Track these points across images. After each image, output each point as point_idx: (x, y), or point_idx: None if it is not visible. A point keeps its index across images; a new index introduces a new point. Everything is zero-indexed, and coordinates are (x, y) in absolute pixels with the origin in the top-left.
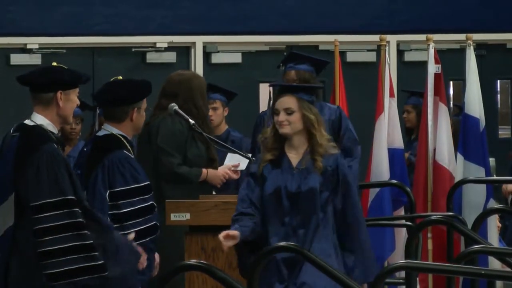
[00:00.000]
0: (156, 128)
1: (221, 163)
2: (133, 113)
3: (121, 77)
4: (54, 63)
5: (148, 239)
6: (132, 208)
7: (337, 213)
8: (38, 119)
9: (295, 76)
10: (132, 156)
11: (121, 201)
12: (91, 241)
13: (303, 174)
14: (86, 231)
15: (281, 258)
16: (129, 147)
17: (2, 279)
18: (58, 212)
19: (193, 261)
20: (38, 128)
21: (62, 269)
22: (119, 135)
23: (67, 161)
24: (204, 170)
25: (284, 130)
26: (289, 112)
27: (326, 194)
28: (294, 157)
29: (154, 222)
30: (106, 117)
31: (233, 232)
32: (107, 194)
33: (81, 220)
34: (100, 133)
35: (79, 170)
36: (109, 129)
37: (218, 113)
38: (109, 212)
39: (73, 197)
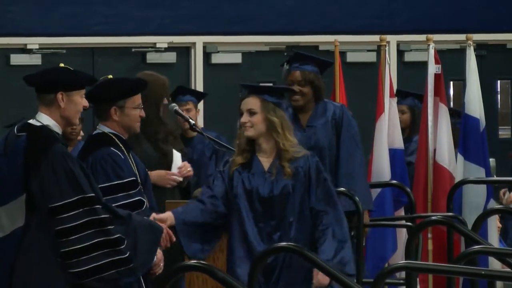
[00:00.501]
0: None
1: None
2: (114, 112)
3: (111, 76)
4: (62, 64)
5: None
6: (116, 204)
7: (313, 214)
8: (44, 119)
9: (300, 77)
10: (121, 154)
11: (104, 198)
12: (116, 236)
13: (275, 178)
14: (109, 227)
15: None
16: (120, 145)
17: (7, 279)
18: (79, 211)
19: (193, 261)
20: (45, 128)
21: (90, 266)
22: (110, 134)
23: (79, 160)
24: None
25: (247, 132)
26: (251, 113)
27: (299, 197)
28: (265, 160)
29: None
30: (95, 116)
31: (160, 216)
32: None
33: (103, 216)
34: (93, 133)
35: None
36: (102, 128)
37: (191, 114)
38: None
39: (93, 194)
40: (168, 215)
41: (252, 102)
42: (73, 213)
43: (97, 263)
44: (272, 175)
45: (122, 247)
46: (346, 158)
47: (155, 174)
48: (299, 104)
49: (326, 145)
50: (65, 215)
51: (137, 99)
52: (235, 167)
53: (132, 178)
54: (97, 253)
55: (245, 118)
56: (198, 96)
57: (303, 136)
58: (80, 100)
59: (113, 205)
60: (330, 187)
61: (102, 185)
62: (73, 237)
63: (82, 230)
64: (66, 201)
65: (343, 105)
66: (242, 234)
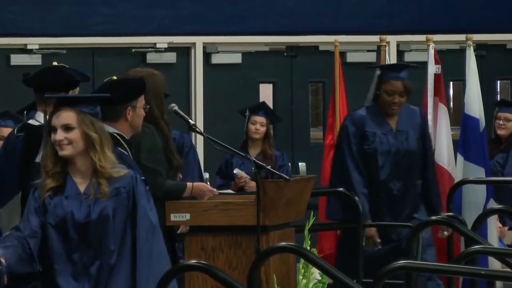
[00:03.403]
0: (135, 141)
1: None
2: (127, 112)
3: (115, 77)
4: (55, 63)
5: None
6: None
7: (135, 243)
8: (43, 119)
9: (402, 88)
10: (128, 154)
11: None
12: None
13: (93, 201)
14: None
15: None
16: (125, 146)
17: None
18: None
19: (193, 261)
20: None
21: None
22: (115, 134)
23: None
24: (189, 184)
25: (64, 151)
26: (68, 128)
27: (121, 223)
28: (80, 181)
29: None
30: (102, 117)
31: None
32: None
33: None
34: None
35: None
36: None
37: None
38: None
39: None
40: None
41: (68, 116)
42: None
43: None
44: (88, 197)
45: None
46: (432, 162)
47: (198, 187)
48: (396, 113)
49: (417, 150)
50: None
51: (143, 98)
52: (46, 193)
53: (142, 178)
54: None
55: (60, 135)
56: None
57: (394, 142)
58: None
59: None
60: (149, 214)
61: None
62: None
63: None
64: None
65: (421, 110)
66: (51, 271)
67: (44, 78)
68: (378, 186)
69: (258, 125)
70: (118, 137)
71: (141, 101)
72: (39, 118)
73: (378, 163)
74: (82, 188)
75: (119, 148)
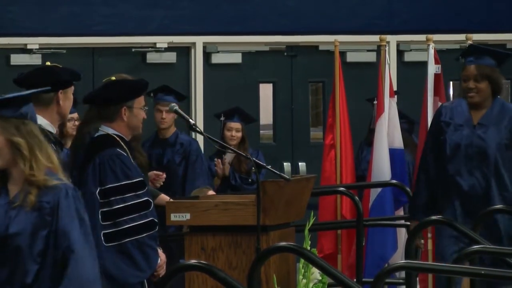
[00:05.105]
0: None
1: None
2: (123, 112)
3: (114, 78)
4: (48, 63)
5: (144, 235)
6: (124, 205)
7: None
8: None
9: (476, 71)
10: (126, 155)
11: (112, 198)
12: None
13: (15, 212)
14: None
15: None
16: (124, 147)
17: None
18: None
19: (193, 261)
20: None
21: None
22: (114, 135)
23: (63, 162)
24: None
25: None
26: None
27: (41, 240)
28: (13, 189)
29: (151, 218)
30: (100, 118)
31: None
32: (97, 192)
33: None
34: (96, 134)
35: (76, 172)
36: (105, 129)
37: (170, 115)
38: (101, 210)
39: None
40: None
41: None
42: None
43: None
44: (13, 207)
45: None
46: None
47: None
48: (475, 101)
49: (493, 146)
50: None
51: (142, 99)
52: None
53: (140, 179)
54: None
55: None
56: (179, 97)
57: (470, 134)
58: (71, 96)
59: (121, 205)
60: (69, 235)
61: (111, 185)
62: None
63: None
64: None
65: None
66: None
67: (33, 78)
68: (448, 179)
69: (234, 131)
70: (118, 139)
71: (139, 102)
72: None
73: (447, 155)
74: (12, 196)
75: (117, 149)
